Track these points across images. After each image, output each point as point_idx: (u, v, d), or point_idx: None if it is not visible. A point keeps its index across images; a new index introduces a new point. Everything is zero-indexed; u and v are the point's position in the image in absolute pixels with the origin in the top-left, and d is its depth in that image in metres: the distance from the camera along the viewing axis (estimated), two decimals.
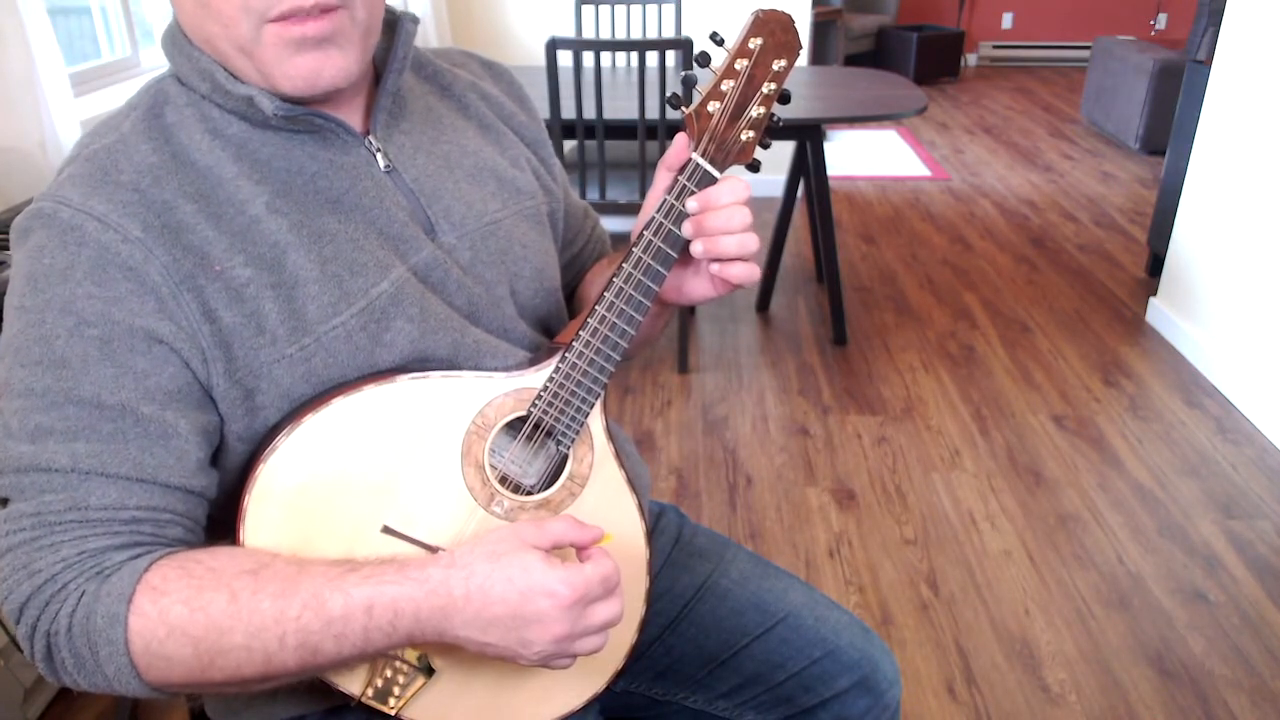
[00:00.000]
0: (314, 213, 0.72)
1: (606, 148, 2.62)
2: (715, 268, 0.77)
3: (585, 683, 0.80)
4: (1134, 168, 4.71)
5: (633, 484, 0.81)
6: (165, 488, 0.67)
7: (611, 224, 2.02)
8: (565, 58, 2.49)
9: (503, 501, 0.75)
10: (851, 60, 6.64)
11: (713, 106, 0.74)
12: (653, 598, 0.84)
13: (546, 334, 0.88)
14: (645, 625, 0.82)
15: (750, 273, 0.77)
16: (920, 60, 6.64)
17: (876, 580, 1.94)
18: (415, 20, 0.80)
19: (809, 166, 2.85)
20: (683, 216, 0.76)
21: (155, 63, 2.45)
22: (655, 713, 0.98)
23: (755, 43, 0.73)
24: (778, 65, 0.75)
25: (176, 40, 0.73)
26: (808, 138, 2.76)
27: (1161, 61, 4.54)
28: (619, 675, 0.81)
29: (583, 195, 2.62)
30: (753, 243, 0.76)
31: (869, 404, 2.61)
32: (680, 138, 0.76)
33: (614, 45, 2.43)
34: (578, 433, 0.77)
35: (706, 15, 3.96)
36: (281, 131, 0.73)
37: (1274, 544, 2.02)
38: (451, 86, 0.87)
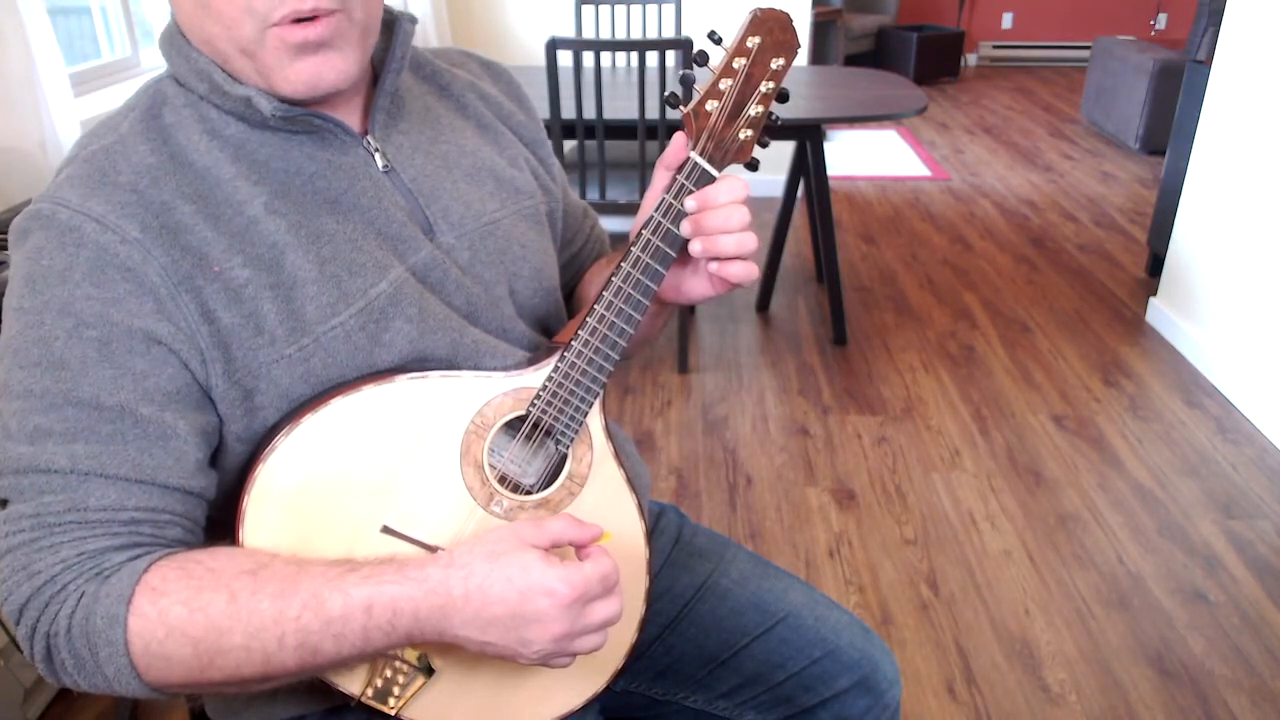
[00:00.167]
0: (312, 213, 0.72)
1: (606, 147, 2.62)
2: (714, 266, 0.77)
3: (585, 682, 0.80)
4: (1134, 168, 4.71)
5: (632, 483, 0.81)
6: (164, 489, 0.67)
7: (611, 224, 2.02)
8: (565, 58, 2.49)
9: (502, 501, 0.75)
10: (851, 60, 6.65)
11: (711, 105, 0.74)
12: (652, 597, 0.84)
13: (545, 334, 0.88)
14: (645, 625, 0.82)
15: (749, 271, 0.77)
16: (920, 60, 6.64)
17: (876, 580, 1.94)
18: (413, 20, 0.80)
19: (809, 166, 2.85)
20: (681, 215, 0.76)
21: (155, 63, 2.45)
22: (655, 713, 0.98)
23: (753, 41, 0.73)
24: (776, 64, 0.75)
25: (175, 41, 0.73)
26: (808, 138, 2.76)
27: (1161, 61, 4.54)
28: (619, 675, 0.81)
29: (583, 195, 2.62)
30: (751, 242, 0.76)
31: (869, 404, 2.61)
32: (678, 137, 0.76)
33: (614, 45, 2.43)
34: (577, 432, 0.77)
35: (706, 15, 3.96)
36: (280, 132, 0.73)
37: (1274, 544, 2.02)
38: (450, 86, 0.87)
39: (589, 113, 2.52)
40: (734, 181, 0.76)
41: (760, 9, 0.73)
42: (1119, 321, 3.06)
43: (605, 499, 0.79)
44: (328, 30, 0.68)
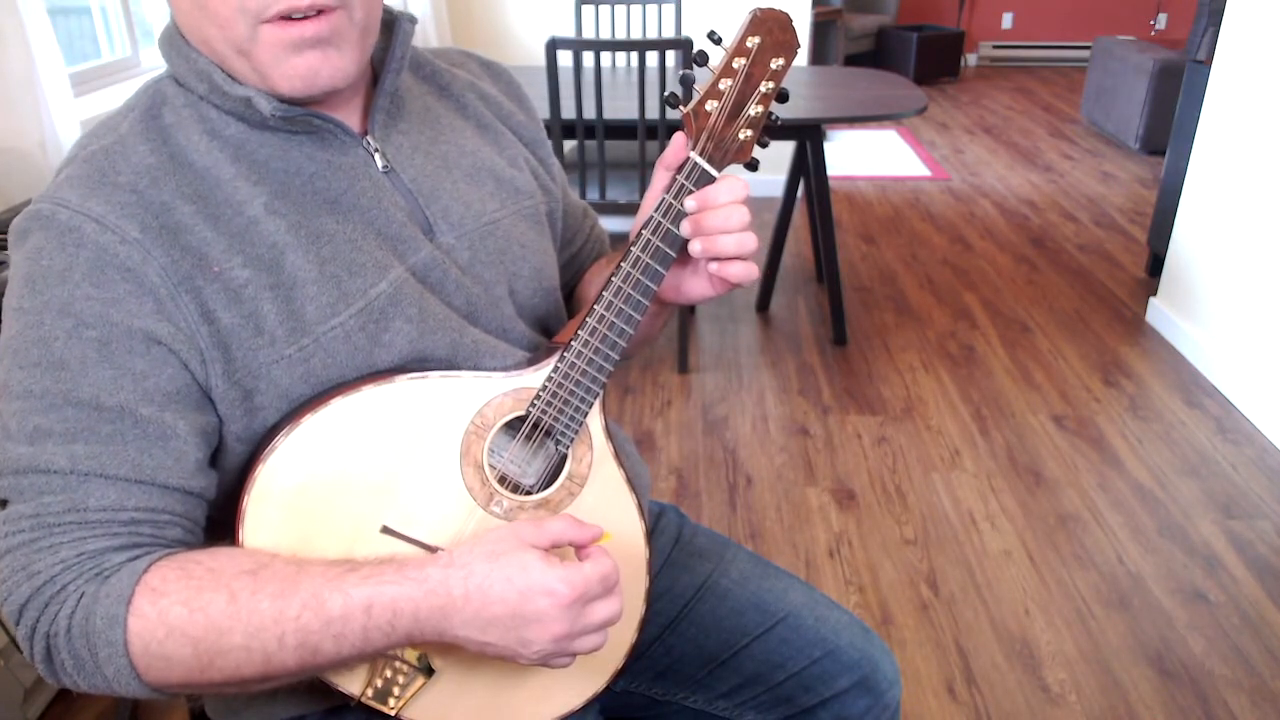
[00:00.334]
0: (312, 213, 0.72)
1: (606, 148, 2.62)
2: (714, 266, 0.77)
3: (585, 682, 0.80)
4: (1134, 168, 4.71)
5: (632, 483, 0.81)
6: (164, 489, 0.67)
7: (611, 224, 2.02)
8: (565, 58, 2.49)
9: (502, 501, 0.75)
10: (851, 60, 6.65)
11: (710, 105, 0.74)
12: (652, 597, 0.84)
13: (545, 334, 0.88)
14: (645, 625, 0.82)
15: (748, 271, 0.77)
16: (920, 60, 6.64)
17: (876, 580, 1.94)
18: (413, 20, 0.80)
19: (809, 166, 2.85)
20: (681, 215, 0.76)
21: (155, 63, 2.45)
22: (655, 713, 0.98)
23: (753, 41, 0.73)
24: (775, 64, 0.75)
25: (174, 41, 0.73)
26: (808, 138, 2.76)
27: (1161, 61, 4.54)
28: (619, 675, 0.81)
29: (583, 195, 2.62)
30: (751, 241, 0.76)
31: (869, 404, 2.61)
32: (678, 137, 0.76)
33: (614, 45, 2.43)
34: (576, 432, 0.77)
35: (706, 15, 3.96)
36: (279, 132, 0.73)
37: (1274, 544, 2.02)
38: (450, 86, 0.87)
39: (589, 113, 2.52)
40: (734, 181, 0.76)
41: (760, 9, 0.73)
42: (1119, 321, 3.06)
43: (605, 499, 0.79)
44: (328, 27, 0.68)
